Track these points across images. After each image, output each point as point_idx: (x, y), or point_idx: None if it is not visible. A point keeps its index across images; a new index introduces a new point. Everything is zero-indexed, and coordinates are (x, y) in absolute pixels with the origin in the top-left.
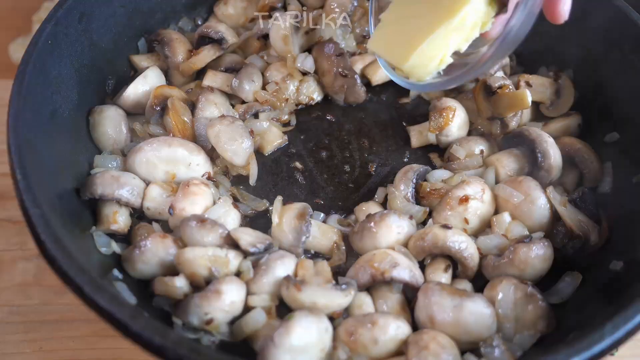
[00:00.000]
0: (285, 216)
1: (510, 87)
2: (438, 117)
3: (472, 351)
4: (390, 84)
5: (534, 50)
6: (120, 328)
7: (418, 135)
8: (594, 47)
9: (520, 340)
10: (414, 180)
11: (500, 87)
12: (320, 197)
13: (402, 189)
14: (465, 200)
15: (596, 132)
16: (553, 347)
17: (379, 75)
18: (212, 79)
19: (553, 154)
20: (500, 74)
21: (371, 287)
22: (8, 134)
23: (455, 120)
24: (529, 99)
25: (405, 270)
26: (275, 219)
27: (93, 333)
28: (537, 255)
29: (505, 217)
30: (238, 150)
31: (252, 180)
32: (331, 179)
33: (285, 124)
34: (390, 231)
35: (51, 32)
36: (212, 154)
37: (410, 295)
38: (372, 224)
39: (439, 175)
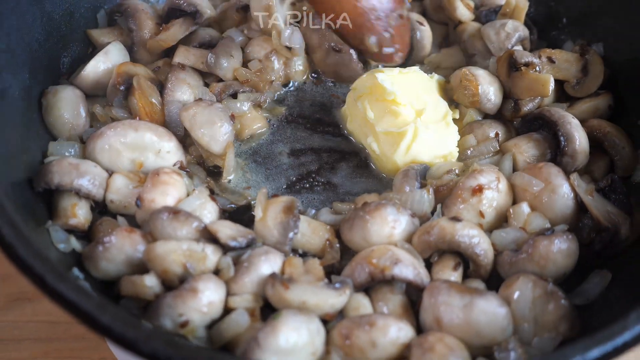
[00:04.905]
0: (270, 210)
1: (538, 68)
2: (464, 91)
3: (485, 357)
4: None
5: (557, 22)
6: (88, 321)
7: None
8: (628, 17)
9: (540, 344)
10: (419, 180)
11: (526, 65)
12: (314, 192)
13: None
14: (478, 190)
15: (629, 114)
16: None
17: None
18: (184, 55)
19: (578, 138)
20: (518, 48)
21: (370, 288)
22: None
23: (483, 85)
24: (551, 86)
25: (409, 267)
26: (258, 212)
27: (44, 354)
28: (560, 249)
29: (524, 207)
30: (216, 135)
31: (227, 174)
32: (326, 170)
33: (267, 110)
34: (385, 223)
35: None
36: (185, 141)
37: (414, 297)
38: (364, 212)
39: (442, 168)
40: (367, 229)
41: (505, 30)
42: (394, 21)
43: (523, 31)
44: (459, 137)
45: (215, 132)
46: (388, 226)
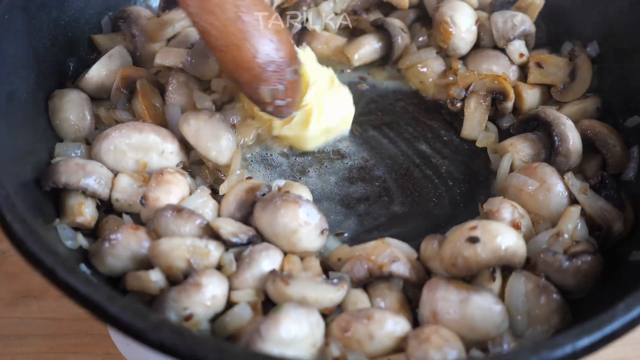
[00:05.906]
0: (236, 187)
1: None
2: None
3: (480, 350)
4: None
5: (559, 23)
6: (97, 311)
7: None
8: (616, 19)
9: (532, 336)
10: None
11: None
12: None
13: None
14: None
15: (616, 115)
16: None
17: (361, 54)
18: (164, 56)
19: (572, 138)
20: (522, 43)
21: (368, 284)
22: None
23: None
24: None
25: (406, 265)
26: (223, 188)
27: (49, 349)
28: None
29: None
30: (222, 148)
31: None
32: (325, 171)
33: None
34: (294, 219)
35: (8, 5)
36: (187, 143)
37: (412, 294)
38: (281, 200)
39: None
40: (275, 217)
41: (512, 21)
42: (289, 75)
43: (529, 27)
44: (351, 95)
45: (221, 146)
46: (296, 223)
